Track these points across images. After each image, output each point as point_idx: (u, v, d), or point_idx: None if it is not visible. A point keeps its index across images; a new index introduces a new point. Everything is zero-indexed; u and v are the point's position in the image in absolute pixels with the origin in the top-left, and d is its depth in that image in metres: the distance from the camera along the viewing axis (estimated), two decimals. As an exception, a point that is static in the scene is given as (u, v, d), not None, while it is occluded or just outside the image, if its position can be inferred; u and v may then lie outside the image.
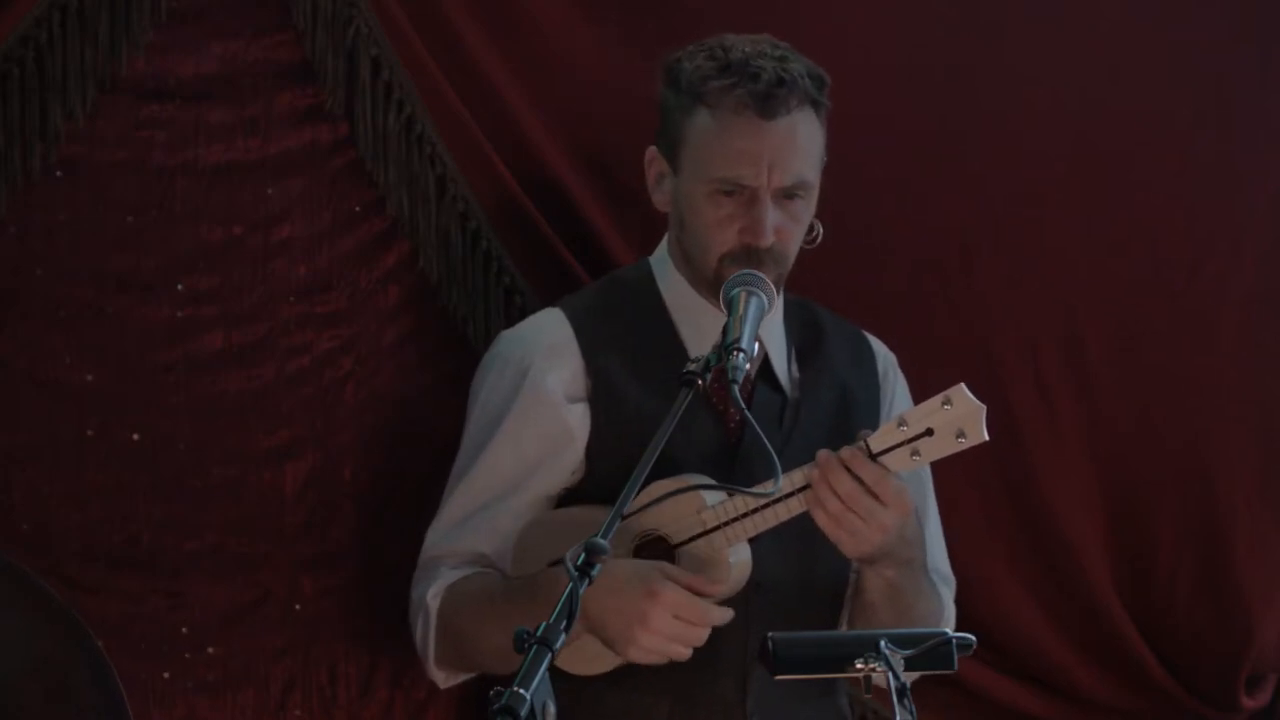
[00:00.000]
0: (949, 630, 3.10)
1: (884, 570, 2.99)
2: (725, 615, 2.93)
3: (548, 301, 3.24)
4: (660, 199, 3.11)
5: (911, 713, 2.47)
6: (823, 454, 2.90)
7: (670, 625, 2.89)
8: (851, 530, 2.89)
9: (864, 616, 3.07)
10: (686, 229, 3.06)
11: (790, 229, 3.02)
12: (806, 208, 3.04)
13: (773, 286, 2.92)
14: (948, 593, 3.23)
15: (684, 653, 2.91)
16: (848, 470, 2.87)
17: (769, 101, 2.96)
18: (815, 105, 3.02)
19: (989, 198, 3.64)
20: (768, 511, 2.93)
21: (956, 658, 2.57)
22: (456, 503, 3.14)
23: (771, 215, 2.99)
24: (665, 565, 2.94)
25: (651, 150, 3.11)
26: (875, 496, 2.87)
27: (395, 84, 3.33)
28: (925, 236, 3.62)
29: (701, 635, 2.92)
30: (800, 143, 3.00)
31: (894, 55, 3.57)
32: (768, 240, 2.98)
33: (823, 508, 2.89)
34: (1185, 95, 3.68)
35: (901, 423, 2.87)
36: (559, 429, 3.09)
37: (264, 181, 3.30)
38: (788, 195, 3.00)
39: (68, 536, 3.22)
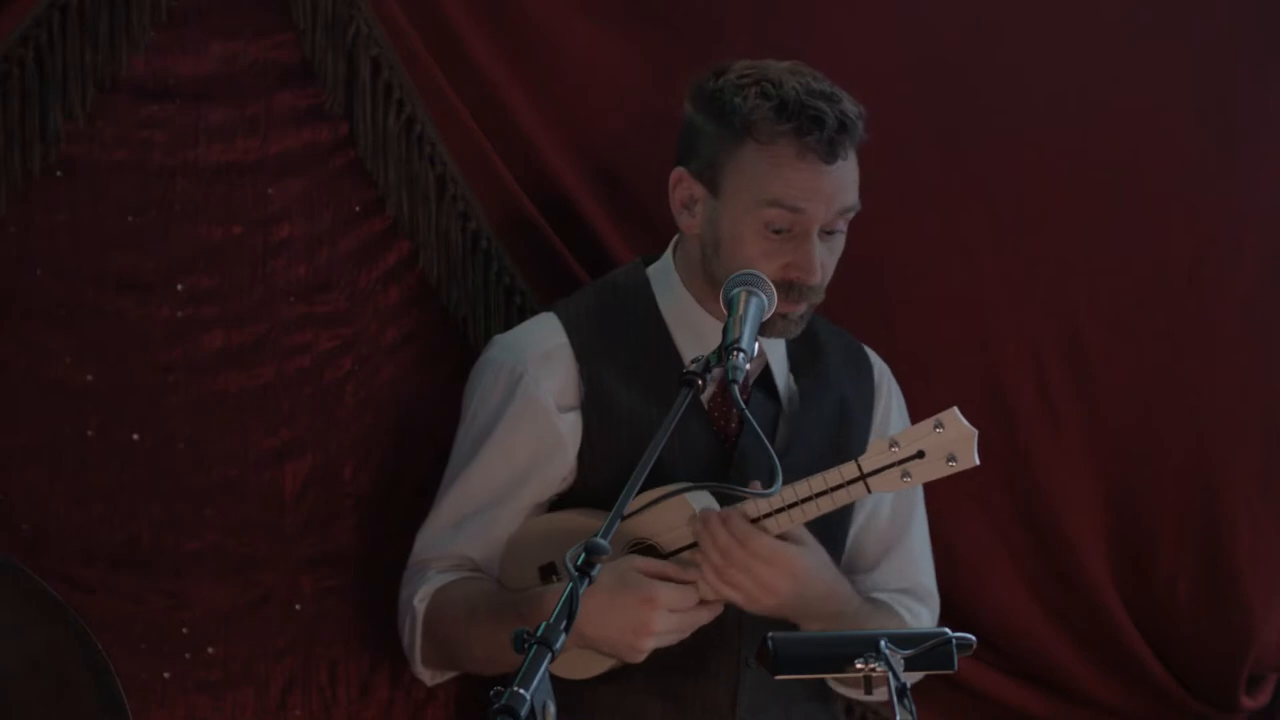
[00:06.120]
0: (948, 631, 3.12)
1: (811, 627, 3.00)
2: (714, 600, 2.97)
3: (548, 302, 3.24)
4: (689, 222, 3.09)
5: (911, 713, 2.47)
6: (703, 513, 2.94)
7: (669, 622, 2.93)
8: (734, 585, 2.93)
9: None
10: (722, 255, 3.05)
11: (830, 264, 3.06)
12: (842, 240, 3.07)
13: (772, 287, 2.91)
14: (923, 610, 3.24)
15: (681, 637, 2.96)
16: (725, 528, 2.91)
17: (833, 147, 2.99)
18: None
19: (989, 199, 3.64)
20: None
21: (956, 658, 2.57)
22: (448, 507, 3.15)
23: (819, 252, 3.01)
24: (638, 561, 2.95)
25: (679, 172, 3.09)
26: (750, 553, 2.91)
27: (395, 84, 3.33)
28: (926, 238, 3.62)
29: (695, 620, 2.95)
30: (850, 179, 3.05)
31: (896, 57, 3.56)
32: (817, 277, 3.02)
33: (708, 563, 2.93)
34: (1185, 95, 3.68)
35: (893, 443, 2.88)
36: (551, 437, 3.10)
37: (264, 181, 3.30)
38: (830, 231, 3.03)
39: (68, 536, 3.22)
